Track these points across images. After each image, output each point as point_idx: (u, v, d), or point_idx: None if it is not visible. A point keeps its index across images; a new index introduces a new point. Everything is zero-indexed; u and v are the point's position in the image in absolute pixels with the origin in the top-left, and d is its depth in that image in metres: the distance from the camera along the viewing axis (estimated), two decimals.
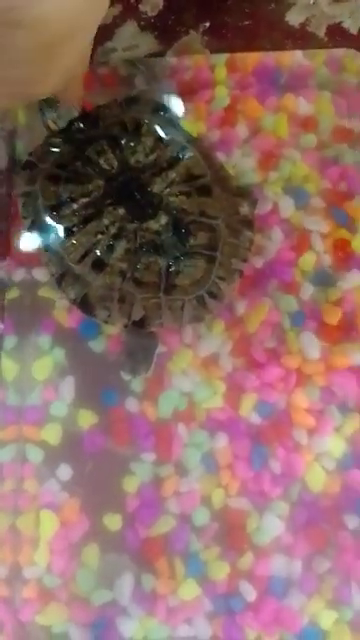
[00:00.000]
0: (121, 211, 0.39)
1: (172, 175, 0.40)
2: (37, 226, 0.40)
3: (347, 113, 0.45)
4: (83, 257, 0.39)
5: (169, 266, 0.39)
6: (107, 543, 0.40)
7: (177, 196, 0.39)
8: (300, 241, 0.44)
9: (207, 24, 0.47)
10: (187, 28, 0.47)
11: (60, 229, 0.39)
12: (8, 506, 0.41)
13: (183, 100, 0.46)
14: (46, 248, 0.40)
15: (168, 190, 0.39)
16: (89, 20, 0.31)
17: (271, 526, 0.40)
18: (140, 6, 0.47)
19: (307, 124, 0.45)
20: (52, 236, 0.40)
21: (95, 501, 0.41)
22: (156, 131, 0.41)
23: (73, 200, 0.39)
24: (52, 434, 0.42)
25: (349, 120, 0.45)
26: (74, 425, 0.42)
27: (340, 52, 0.46)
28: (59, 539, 0.40)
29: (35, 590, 0.40)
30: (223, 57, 0.46)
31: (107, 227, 0.39)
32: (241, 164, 0.45)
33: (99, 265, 0.39)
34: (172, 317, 0.40)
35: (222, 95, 0.46)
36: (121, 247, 0.39)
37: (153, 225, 0.39)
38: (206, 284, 0.39)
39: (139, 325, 0.40)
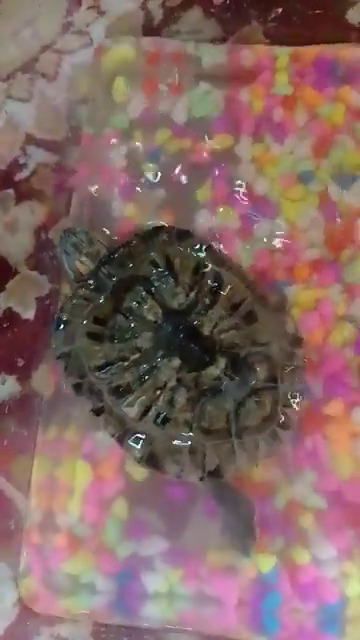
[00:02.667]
0: (176, 362, 0.37)
1: (218, 311, 0.38)
2: (84, 387, 0.39)
3: None
4: (144, 414, 0.38)
5: (237, 409, 0.37)
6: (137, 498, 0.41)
7: (227, 332, 0.38)
8: (347, 229, 0.45)
9: (279, 10, 0.48)
10: (250, 18, 0.49)
11: (111, 388, 0.38)
12: (49, 454, 0.42)
13: (241, 85, 0.47)
14: (98, 411, 0.39)
15: (217, 329, 0.38)
16: None
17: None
18: None
19: None
20: (104, 396, 0.38)
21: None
22: (189, 264, 0.39)
23: (123, 359, 0.38)
24: None
25: None
26: None
27: None
28: (93, 490, 0.42)
29: (65, 538, 0.41)
30: (285, 50, 0.48)
31: (165, 382, 0.37)
32: (297, 150, 0.46)
33: (162, 420, 0.37)
34: (247, 459, 0.38)
35: (282, 81, 0.47)
36: (182, 398, 0.37)
37: (213, 371, 0.37)
38: (276, 417, 0.38)
39: (215, 475, 0.38)
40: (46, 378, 0.44)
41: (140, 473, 0.41)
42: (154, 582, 0.40)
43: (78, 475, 0.42)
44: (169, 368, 0.38)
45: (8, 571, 0.42)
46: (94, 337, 0.39)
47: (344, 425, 0.41)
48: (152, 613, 0.40)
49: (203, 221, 0.45)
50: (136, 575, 0.41)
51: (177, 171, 0.46)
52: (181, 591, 0.40)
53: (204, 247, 0.41)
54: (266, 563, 0.40)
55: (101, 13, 0.48)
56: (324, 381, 0.42)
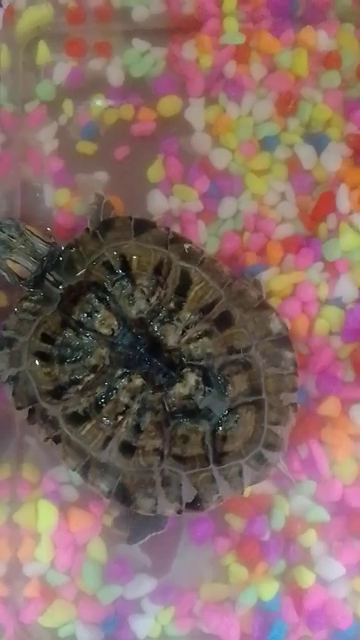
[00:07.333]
0: (138, 381, 0.32)
1: (185, 317, 0.33)
2: (36, 415, 0.33)
3: None
4: (106, 443, 0.33)
5: (213, 431, 0.32)
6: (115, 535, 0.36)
7: (198, 339, 0.33)
8: (324, 198, 0.39)
9: None
10: None
11: (66, 415, 0.33)
12: (4, 496, 0.37)
13: (184, 35, 0.40)
14: (56, 439, 0.33)
15: (186, 337, 0.33)
16: None
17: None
18: None
19: (329, 61, 0.40)
20: (59, 424, 0.33)
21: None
22: (149, 262, 0.33)
23: (76, 381, 0.33)
24: None
25: None
26: None
27: None
28: (62, 533, 0.36)
29: (37, 588, 0.36)
30: None
31: (126, 405, 0.32)
32: (257, 110, 0.40)
33: (128, 448, 0.32)
34: (230, 487, 0.33)
35: (232, 29, 0.41)
36: (148, 423, 0.32)
37: (181, 389, 0.32)
38: (260, 437, 0.33)
39: (194, 507, 0.33)
40: None
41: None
42: (144, 626, 0.36)
43: (42, 517, 0.37)
44: (130, 390, 0.33)
45: None
46: (43, 357, 0.34)
47: (342, 426, 0.37)
48: None
49: (158, 205, 0.39)
50: (123, 621, 0.36)
51: (120, 147, 0.40)
52: (175, 632, 0.36)
53: (168, 239, 0.35)
54: (267, 590, 0.36)
55: None
56: (316, 378, 0.37)
